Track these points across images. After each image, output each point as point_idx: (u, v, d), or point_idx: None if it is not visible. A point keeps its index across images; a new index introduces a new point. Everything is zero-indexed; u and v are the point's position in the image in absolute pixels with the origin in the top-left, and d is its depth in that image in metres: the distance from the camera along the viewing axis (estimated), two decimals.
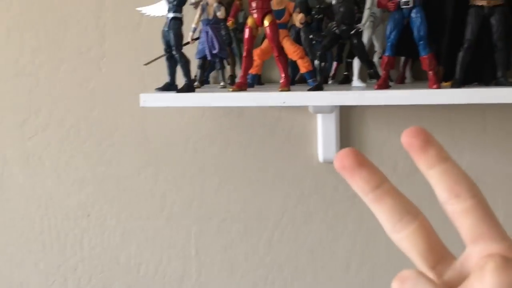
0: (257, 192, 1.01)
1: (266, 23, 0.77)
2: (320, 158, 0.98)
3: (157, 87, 0.85)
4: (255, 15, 0.77)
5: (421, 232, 0.26)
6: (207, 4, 0.83)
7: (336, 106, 0.92)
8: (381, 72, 0.78)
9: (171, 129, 1.02)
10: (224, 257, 1.03)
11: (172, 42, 0.80)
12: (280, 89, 0.77)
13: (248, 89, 0.81)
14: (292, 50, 0.81)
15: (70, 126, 1.04)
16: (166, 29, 0.81)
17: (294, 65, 0.85)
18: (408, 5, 0.73)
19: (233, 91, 0.79)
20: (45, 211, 1.07)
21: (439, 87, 0.74)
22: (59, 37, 1.02)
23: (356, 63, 0.84)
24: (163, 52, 0.83)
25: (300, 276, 1.02)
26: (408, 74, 0.90)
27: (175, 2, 0.80)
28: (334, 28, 0.77)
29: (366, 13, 0.78)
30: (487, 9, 0.73)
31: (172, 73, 0.84)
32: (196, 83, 0.88)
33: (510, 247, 0.25)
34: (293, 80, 0.88)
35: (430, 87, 0.74)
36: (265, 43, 0.84)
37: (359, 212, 0.98)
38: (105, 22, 1.01)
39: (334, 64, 0.91)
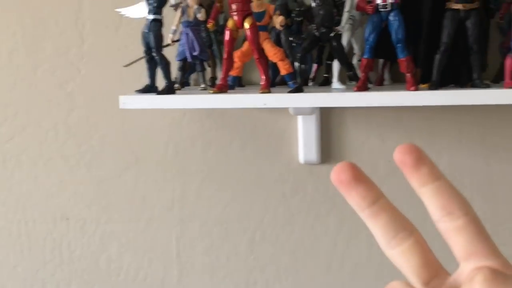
0: (239, 193, 1.01)
1: (247, 25, 0.77)
2: (301, 159, 0.98)
3: (137, 89, 0.85)
4: (236, 17, 0.77)
5: (416, 249, 0.27)
6: (187, 6, 0.83)
7: (316, 108, 0.93)
8: (360, 74, 0.79)
9: (151, 131, 1.01)
10: (206, 259, 1.03)
11: (152, 43, 0.80)
12: (260, 91, 0.78)
13: (228, 91, 0.81)
14: (272, 52, 0.81)
15: (49, 129, 1.03)
16: (146, 30, 0.81)
17: (274, 67, 0.85)
18: (386, 8, 0.74)
19: (213, 93, 0.79)
20: (23, 215, 1.05)
21: (416, 89, 0.75)
22: (37, 38, 1.01)
23: (335, 65, 0.85)
24: (143, 54, 0.83)
25: (282, 277, 1.02)
26: (386, 76, 0.91)
27: (155, 4, 0.80)
28: (314, 31, 0.77)
29: (345, 15, 0.79)
30: (463, 12, 0.74)
31: (152, 75, 0.84)
32: (176, 85, 0.88)
33: (503, 264, 0.25)
34: (274, 82, 0.89)
35: (408, 89, 0.75)
36: (246, 45, 0.84)
37: (340, 213, 0.99)
38: (84, 23, 1.00)
39: (314, 66, 0.91)
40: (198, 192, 1.02)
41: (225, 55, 0.79)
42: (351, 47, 0.87)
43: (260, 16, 0.82)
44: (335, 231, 1.00)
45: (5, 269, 1.06)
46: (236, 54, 0.84)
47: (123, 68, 0.91)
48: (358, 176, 0.27)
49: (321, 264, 1.01)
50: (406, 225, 0.27)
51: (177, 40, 0.86)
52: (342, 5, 0.79)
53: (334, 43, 0.78)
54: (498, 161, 0.96)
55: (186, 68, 0.91)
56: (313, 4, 0.77)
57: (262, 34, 0.81)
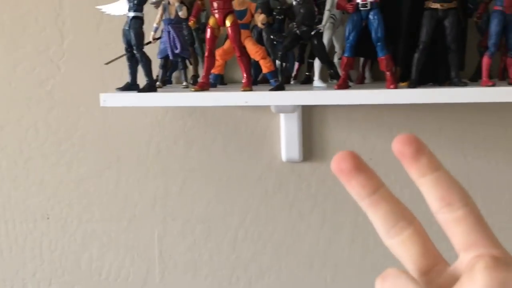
0: (221, 192, 1.01)
1: (228, 23, 0.77)
2: (283, 157, 0.99)
3: (118, 87, 0.84)
4: (217, 15, 0.77)
5: (415, 238, 0.26)
6: (168, 3, 0.83)
7: (298, 106, 0.93)
8: (341, 72, 0.80)
9: (133, 129, 1.00)
10: (188, 257, 1.03)
11: (133, 41, 0.80)
12: (242, 89, 0.78)
13: (210, 89, 0.81)
14: (254, 51, 0.81)
15: (28, 127, 1.02)
16: (127, 28, 0.80)
17: (256, 65, 0.85)
18: (366, 7, 0.75)
19: (195, 91, 0.79)
20: (2, 214, 1.03)
21: (396, 87, 0.76)
22: (16, 36, 1.00)
23: (317, 63, 0.85)
24: (124, 52, 0.82)
25: (264, 274, 1.02)
26: (367, 74, 0.92)
27: (135, 1, 0.79)
28: (295, 29, 0.78)
29: (326, 14, 0.79)
30: (441, 12, 0.75)
31: (133, 73, 0.84)
32: (158, 83, 0.87)
33: (502, 254, 0.25)
34: (256, 80, 0.89)
35: (388, 87, 0.76)
36: (227, 43, 0.84)
37: (322, 211, 1.00)
38: (65, 21, 0.99)
39: (296, 64, 0.92)
40: (180, 190, 1.02)
41: (206, 53, 0.79)
42: (332, 46, 0.88)
43: (241, 14, 0.82)
44: (317, 229, 1.01)
45: None
46: (218, 52, 0.84)
47: (104, 66, 0.90)
48: (359, 165, 0.26)
49: (303, 262, 1.02)
50: (406, 214, 0.27)
51: (159, 38, 0.86)
52: (323, 3, 0.79)
53: (315, 42, 0.78)
54: (477, 157, 0.97)
55: (168, 66, 0.91)
56: (294, 3, 0.78)
57: (244, 32, 0.81)
